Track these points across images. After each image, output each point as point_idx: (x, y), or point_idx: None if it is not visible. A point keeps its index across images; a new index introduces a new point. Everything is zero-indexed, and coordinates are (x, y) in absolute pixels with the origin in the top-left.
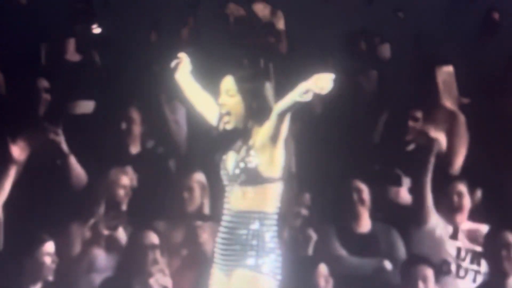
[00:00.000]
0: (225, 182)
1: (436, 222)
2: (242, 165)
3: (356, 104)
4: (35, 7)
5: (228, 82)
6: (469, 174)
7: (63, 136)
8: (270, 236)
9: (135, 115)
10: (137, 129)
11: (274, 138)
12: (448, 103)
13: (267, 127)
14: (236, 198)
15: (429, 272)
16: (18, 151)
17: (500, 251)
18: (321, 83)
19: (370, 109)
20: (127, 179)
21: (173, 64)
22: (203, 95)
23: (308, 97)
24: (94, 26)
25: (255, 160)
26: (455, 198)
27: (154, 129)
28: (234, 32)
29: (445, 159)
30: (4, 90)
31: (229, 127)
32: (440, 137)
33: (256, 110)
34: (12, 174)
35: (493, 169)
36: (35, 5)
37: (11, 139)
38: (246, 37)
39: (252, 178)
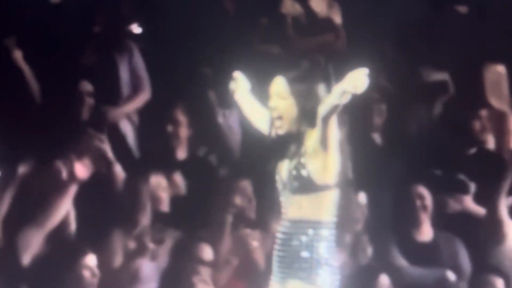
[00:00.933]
0: (280, 190)
1: None
2: (294, 172)
3: (414, 103)
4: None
5: (280, 84)
6: None
7: (108, 143)
8: (325, 247)
9: (181, 117)
10: (183, 132)
11: (323, 143)
12: (497, 103)
13: (315, 132)
14: (291, 207)
15: (500, 283)
16: (82, 169)
17: None
18: (355, 82)
19: (428, 108)
20: (167, 184)
21: (231, 86)
22: (263, 113)
23: (346, 99)
24: (134, 25)
25: (308, 167)
26: None
27: (205, 134)
28: (291, 33)
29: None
30: (40, 99)
31: (281, 132)
32: (489, 139)
33: (310, 113)
34: (71, 193)
35: None
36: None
37: (76, 155)
38: (304, 36)
39: (306, 186)
